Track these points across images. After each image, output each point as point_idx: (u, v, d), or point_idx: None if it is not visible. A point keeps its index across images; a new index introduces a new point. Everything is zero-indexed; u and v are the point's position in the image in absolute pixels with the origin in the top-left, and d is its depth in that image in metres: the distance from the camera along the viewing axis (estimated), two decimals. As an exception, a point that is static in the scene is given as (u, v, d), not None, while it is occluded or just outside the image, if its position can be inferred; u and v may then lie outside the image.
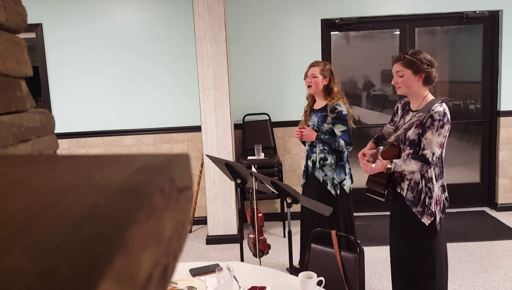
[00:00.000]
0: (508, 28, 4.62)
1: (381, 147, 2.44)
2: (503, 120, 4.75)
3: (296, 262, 3.53)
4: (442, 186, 2.50)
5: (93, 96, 4.69)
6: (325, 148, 3.09)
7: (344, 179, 3.11)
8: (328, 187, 3.08)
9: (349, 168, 3.18)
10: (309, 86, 3.14)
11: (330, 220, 3.02)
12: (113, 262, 0.21)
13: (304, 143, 3.27)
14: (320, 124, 3.11)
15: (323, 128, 3.10)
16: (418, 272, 2.53)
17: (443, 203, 2.50)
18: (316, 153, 3.13)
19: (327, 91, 3.13)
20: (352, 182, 3.21)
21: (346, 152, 3.13)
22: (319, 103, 3.18)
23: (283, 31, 4.65)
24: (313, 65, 3.14)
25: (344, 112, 3.04)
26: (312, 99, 3.24)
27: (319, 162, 3.11)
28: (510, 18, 4.61)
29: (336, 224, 3.06)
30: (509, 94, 4.71)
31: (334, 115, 3.04)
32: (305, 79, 3.19)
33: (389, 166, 2.40)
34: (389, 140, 2.50)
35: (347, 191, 3.13)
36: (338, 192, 3.09)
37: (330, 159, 3.08)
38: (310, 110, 3.24)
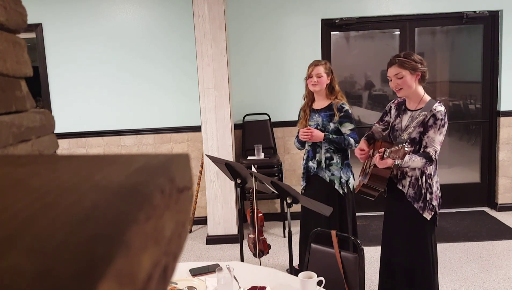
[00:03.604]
0: (508, 28, 4.62)
1: (406, 144, 2.44)
2: (503, 120, 4.75)
3: (296, 262, 3.53)
4: (437, 181, 2.59)
5: (93, 96, 4.69)
6: (331, 147, 3.07)
7: (350, 177, 3.12)
8: (335, 187, 3.08)
9: (351, 166, 3.18)
10: (315, 85, 3.10)
11: (338, 219, 3.03)
12: (113, 262, 0.21)
13: (303, 144, 3.23)
14: (326, 123, 3.09)
15: (329, 127, 3.08)
16: (417, 267, 2.56)
17: (439, 199, 2.58)
18: (321, 153, 3.11)
19: (330, 89, 3.14)
20: (354, 179, 3.19)
21: (349, 151, 3.13)
22: (321, 103, 3.16)
23: (283, 31, 4.65)
24: (316, 64, 3.11)
25: (350, 111, 3.08)
26: (311, 99, 3.22)
27: (325, 162, 3.10)
28: (510, 18, 4.61)
29: (345, 223, 3.07)
30: (509, 94, 4.71)
31: (342, 114, 3.05)
32: (307, 79, 3.15)
33: (397, 162, 2.44)
34: (403, 137, 2.54)
35: (351, 189, 3.14)
36: (345, 190, 3.09)
37: (336, 158, 3.08)
38: (310, 110, 3.22)
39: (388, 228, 2.70)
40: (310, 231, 2.96)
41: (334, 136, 3.05)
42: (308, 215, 3.17)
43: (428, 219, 2.51)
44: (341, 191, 3.08)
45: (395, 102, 2.71)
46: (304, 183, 3.25)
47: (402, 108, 2.62)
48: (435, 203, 2.52)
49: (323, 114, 3.11)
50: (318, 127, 3.11)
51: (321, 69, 3.09)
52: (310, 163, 3.18)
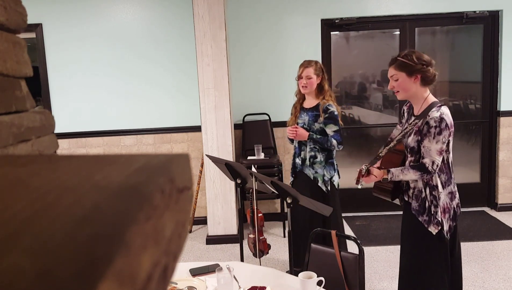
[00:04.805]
0: (508, 28, 4.62)
1: (364, 167, 2.43)
2: (503, 120, 4.75)
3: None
4: (451, 193, 2.37)
5: (93, 96, 4.69)
6: (316, 146, 3.15)
7: (333, 175, 3.20)
8: (319, 184, 3.16)
9: (336, 164, 3.26)
10: (304, 87, 3.17)
11: (322, 216, 3.04)
12: (113, 262, 0.21)
13: (292, 141, 3.31)
14: (311, 123, 3.16)
15: (314, 127, 3.15)
16: (426, 281, 2.43)
17: (454, 211, 2.38)
18: (306, 151, 3.19)
19: (319, 89, 3.19)
20: (339, 177, 3.29)
21: (334, 150, 3.20)
22: (310, 102, 3.23)
23: (283, 31, 4.65)
24: (306, 66, 3.17)
25: (336, 113, 3.12)
26: (302, 96, 3.29)
27: (309, 160, 3.18)
28: (510, 18, 4.61)
29: (328, 220, 3.10)
30: (509, 94, 4.71)
31: (326, 115, 3.11)
32: (298, 80, 3.22)
33: (385, 176, 2.36)
34: (380, 154, 2.47)
35: (336, 186, 3.23)
36: (329, 188, 3.17)
37: (320, 157, 3.16)
38: (300, 107, 3.27)
39: (401, 236, 2.58)
40: (297, 230, 2.99)
41: (318, 136, 3.12)
42: (295, 213, 3.20)
43: (434, 233, 2.31)
44: (324, 189, 3.16)
45: (408, 104, 2.54)
46: (292, 179, 3.35)
47: (410, 113, 2.48)
48: (442, 217, 2.31)
49: (310, 113, 3.19)
50: (305, 126, 3.18)
51: (310, 71, 3.15)
52: (297, 160, 3.28)
